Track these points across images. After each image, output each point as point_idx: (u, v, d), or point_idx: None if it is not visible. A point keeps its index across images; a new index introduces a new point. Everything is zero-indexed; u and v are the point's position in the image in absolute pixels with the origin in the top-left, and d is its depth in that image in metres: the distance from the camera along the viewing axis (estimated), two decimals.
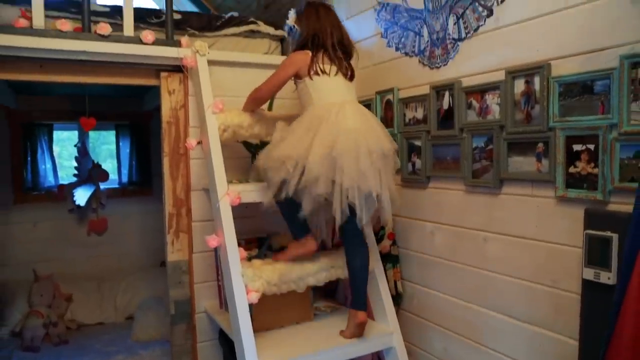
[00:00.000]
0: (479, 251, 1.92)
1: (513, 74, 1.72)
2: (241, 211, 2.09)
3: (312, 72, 1.95)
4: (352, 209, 1.83)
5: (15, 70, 2.16)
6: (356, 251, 2.01)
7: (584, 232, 1.50)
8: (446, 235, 2.08)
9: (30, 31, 2.06)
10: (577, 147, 1.54)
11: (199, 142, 2.25)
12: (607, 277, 1.42)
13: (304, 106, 2.00)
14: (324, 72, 1.95)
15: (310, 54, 1.98)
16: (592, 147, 1.49)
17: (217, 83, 2.30)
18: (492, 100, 1.82)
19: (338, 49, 2.00)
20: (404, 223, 2.32)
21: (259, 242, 2.43)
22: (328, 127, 1.82)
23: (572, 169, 1.55)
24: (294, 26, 2.11)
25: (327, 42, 1.99)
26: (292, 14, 2.16)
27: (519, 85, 1.71)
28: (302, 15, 2.07)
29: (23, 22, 2.07)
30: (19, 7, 2.14)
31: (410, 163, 2.25)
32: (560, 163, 1.57)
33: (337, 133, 1.81)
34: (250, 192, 2.06)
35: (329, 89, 1.96)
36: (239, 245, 1.96)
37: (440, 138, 2.07)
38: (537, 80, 1.64)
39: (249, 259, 2.07)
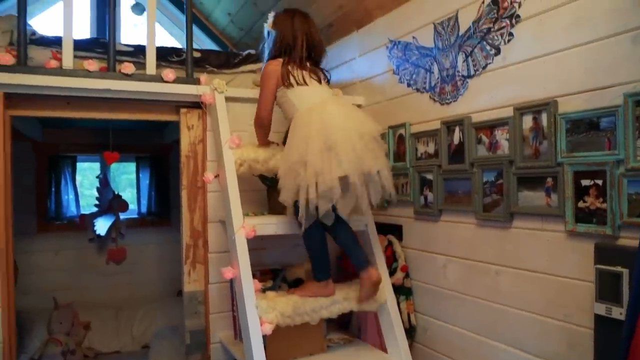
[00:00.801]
0: (491, 284, 1.92)
1: (521, 110, 1.76)
2: (257, 243, 2.13)
3: (286, 83, 2.04)
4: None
5: (45, 107, 2.25)
6: (338, 229, 2.02)
7: (594, 267, 1.51)
8: (458, 268, 2.10)
9: (60, 71, 2.18)
10: (585, 182, 1.56)
11: (216, 176, 2.31)
12: (619, 313, 1.42)
13: (288, 112, 2.08)
14: (301, 83, 2.04)
15: (281, 62, 2.07)
16: (600, 182, 1.51)
17: (234, 118, 2.37)
18: (502, 136, 1.86)
19: (306, 63, 2.09)
20: (417, 256, 2.34)
21: (273, 274, 2.45)
22: (316, 124, 1.90)
23: (581, 204, 1.57)
24: (270, 30, 2.16)
25: (296, 55, 2.08)
26: (270, 17, 2.18)
27: (527, 122, 1.75)
28: (278, 20, 2.15)
29: (54, 63, 2.19)
30: (50, 49, 2.27)
31: (422, 196, 2.28)
32: (569, 198, 1.59)
33: (326, 125, 1.88)
34: (265, 225, 2.10)
35: (310, 96, 2.04)
36: (254, 276, 1.99)
37: (451, 172, 2.11)
38: (544, 116, 1.68)
39: (264, 290, 2.10)
